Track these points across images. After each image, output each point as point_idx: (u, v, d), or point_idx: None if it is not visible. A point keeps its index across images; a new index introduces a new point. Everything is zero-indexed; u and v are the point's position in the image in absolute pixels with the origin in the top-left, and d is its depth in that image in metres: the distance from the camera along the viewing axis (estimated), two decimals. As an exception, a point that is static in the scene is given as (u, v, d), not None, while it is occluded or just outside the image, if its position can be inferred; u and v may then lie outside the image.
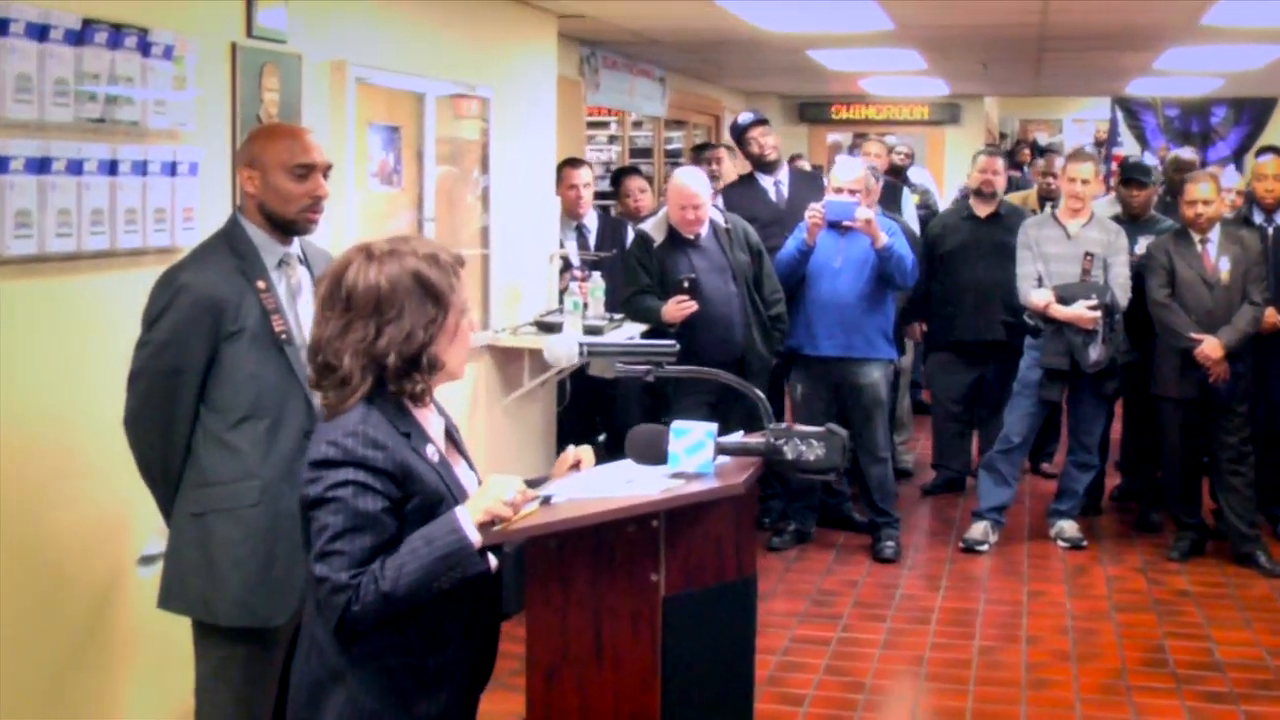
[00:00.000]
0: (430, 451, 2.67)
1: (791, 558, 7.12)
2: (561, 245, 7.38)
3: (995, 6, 7.26)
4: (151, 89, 3.94)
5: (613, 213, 8.41)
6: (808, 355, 7.01)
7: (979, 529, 7.28)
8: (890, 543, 7.09)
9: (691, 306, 6.38)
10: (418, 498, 2.60)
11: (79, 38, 3.64)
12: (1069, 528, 7.32)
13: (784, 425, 2.71)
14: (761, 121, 7.92)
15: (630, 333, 6.65)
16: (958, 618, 6.19)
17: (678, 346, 2.95)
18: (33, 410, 3.65)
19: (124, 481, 3.60)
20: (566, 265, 7.28)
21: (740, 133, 7.92)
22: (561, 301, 6.85)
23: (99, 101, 3.74)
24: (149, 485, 3.54)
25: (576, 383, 7.10)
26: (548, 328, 6.62)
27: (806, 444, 2.67)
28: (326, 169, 3.54)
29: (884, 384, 7.04)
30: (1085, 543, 7.25)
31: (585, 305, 6.72)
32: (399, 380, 2.61)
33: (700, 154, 8.97)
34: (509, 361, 6.62)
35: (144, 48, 3.89)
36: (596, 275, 6.88)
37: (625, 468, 2.88)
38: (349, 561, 2.52)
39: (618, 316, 6.76)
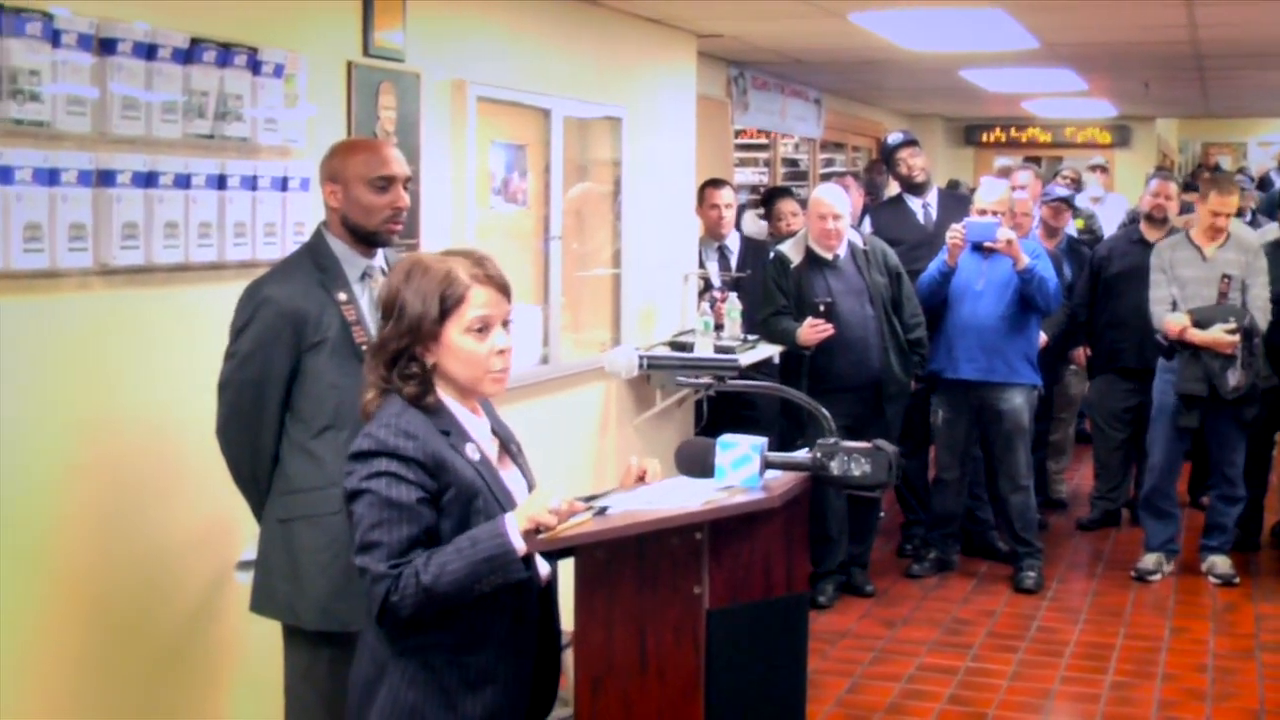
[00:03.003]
0: (470, 450, 2.75)
1: (930, 585, 7.04)
2: (703, 265, 7.41)
3: (1138, 22, 7.10)
4: (261, 106, 4.07)
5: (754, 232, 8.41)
6: (948, 379, 6.95)
7: (1152, 559, 7.15)
8: (1031, 573, 6.96)
9: (828, 330, 6.35)
10: (453, 489, 2.68)
11: (187, 56, 3.79)
12: (1220, 563, 7.09)
13: (832, 440, 2.69)
14: (911, 142, 7.86)
15: (766, 354, 6.65)
16: (1093, 651, 6.04)
17: (740, 361, 2.95)
18: (141, 416, 3.80)
19: (229, 488, 3.72)
20: (708, 285, 7.30)
21: (889, 153, 7.91)
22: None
23: (208, 118, 3.88)
24: (241, 491, 3.68)
25: (714, 404, 7.10)
26: (681, 348, 6.65)
27: (854, 460, 2.65)
28: (406, 180, 3.63)
29: (1026, 410, 6.92)
30: (1238, 579, 7.01)
31: (720, 325, 6.74)
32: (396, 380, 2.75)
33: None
34: (642, 381, 6.66)
35: (254, 66, 4.02)
36: (733, 296, 6.90)
37: (685, 482, 2.89)
38: (387, 552, 2.61)
39: (753, 338, 6.76)
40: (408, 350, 2.74)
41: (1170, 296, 6.80)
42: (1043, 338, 7.24)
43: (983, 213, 6.83)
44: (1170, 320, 6.72)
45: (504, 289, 2.79)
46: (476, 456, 2.75)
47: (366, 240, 3.60)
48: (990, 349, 6.82)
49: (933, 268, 6.86)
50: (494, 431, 2.92)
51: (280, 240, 4.18)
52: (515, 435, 3.01)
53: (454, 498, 2.67)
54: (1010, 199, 7.06)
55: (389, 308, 2.76)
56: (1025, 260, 6.64)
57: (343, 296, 3.52)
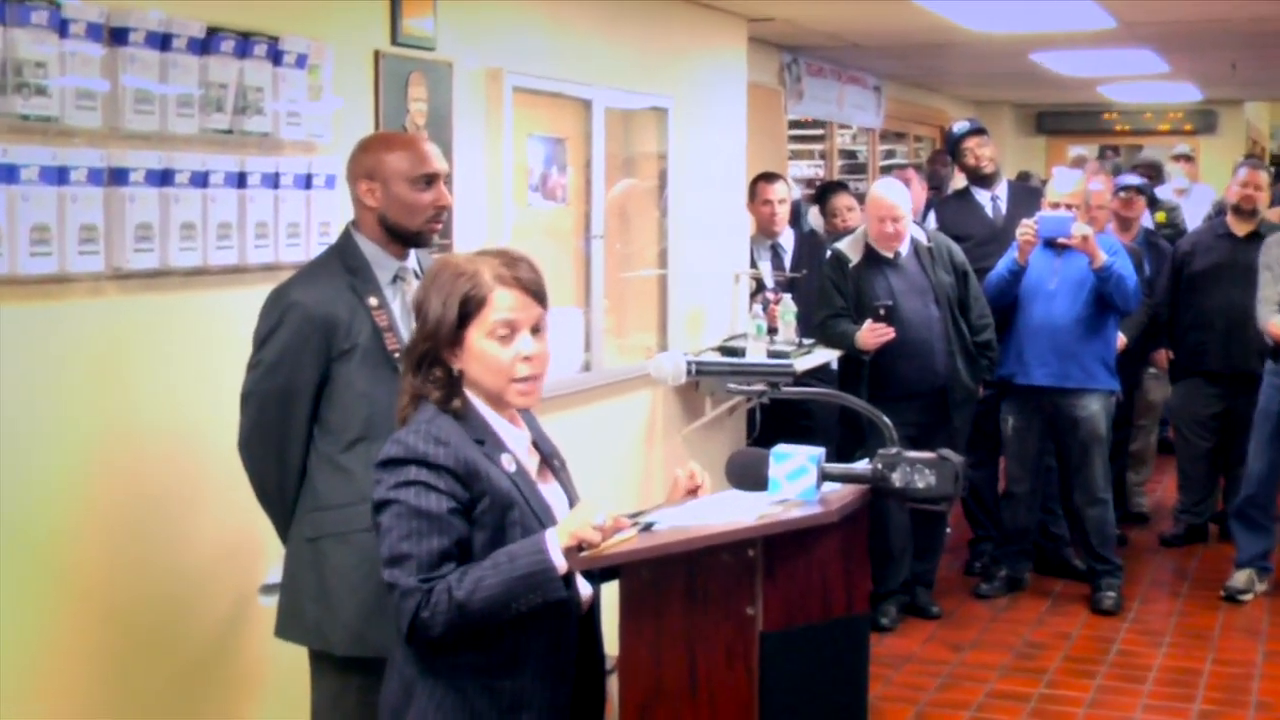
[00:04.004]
0: (505, 460, 2.76)
1: (1001, 606, 6.99)
2: (755, 265, 7.39)
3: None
4: (284, 100, 4.08)
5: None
6: (1019, 385, 6.90)
7: (1243, 576, 7.08)
8: (1110, 593, 6.90)
9: (889, 333, 6.31)
10: (487, 499, 2.69)
11: (204, 47, 3.80)
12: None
13: (894, 450, 2.68)
14: (978, 131, 7.83)
15: (823, 359, 6.62)
16: (1178, 677, 5.98)
17: (795, 366, 2.94)
18: (157, 430, 3.81)
19: (252, 506, 3.72)
20: (760, 286, 7.29)
21: (954, 143, 7.88)
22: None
23: (226, 112, 3.90)
24: (265, 509, 3.68)
25: (768, 413, 7.08)
26: (732, 353, 6.63)
27: (917, 471, 2.64)
28: (446, 176, 3.65)
29: (1103, 417, 6.86)
30: (1344, 603, 6.94)
31: (774, 329, 6.73)
32: (422, 385, 2.80)
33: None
34: (690, 389, 6.65)
35: (275, 56, 4.04)
36: (787, 297, 6.87)
37: (737, 495, 2.88)
38: (417, 565, 2.62)
39: (808, 341, 6.74)
40: (431, 354, 2.77)
41: (1278, 296, 6.70)
42: (1121, 339, 7.17)
43: (1056, 206, 6.78)
44: (1275, 322, 6.64)
45: (534, 292, 2.79)
46: (512, 467, 2.76)
47: (408, 240, 3.60)
48: (1064, 352, 6.76)
49: (1002, 265, 6.82)
50: (535, 445, 2.92)
51: (304, 241, 4.19)
52: (560, 451, 3.02)
53: (488, 508, 2.68)
54: (1086, 191, 6.99)
55: (417, 310, 2.80)
56: (1103, 257, 6.58)
57: (374, 301, 3.52)
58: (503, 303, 2.74)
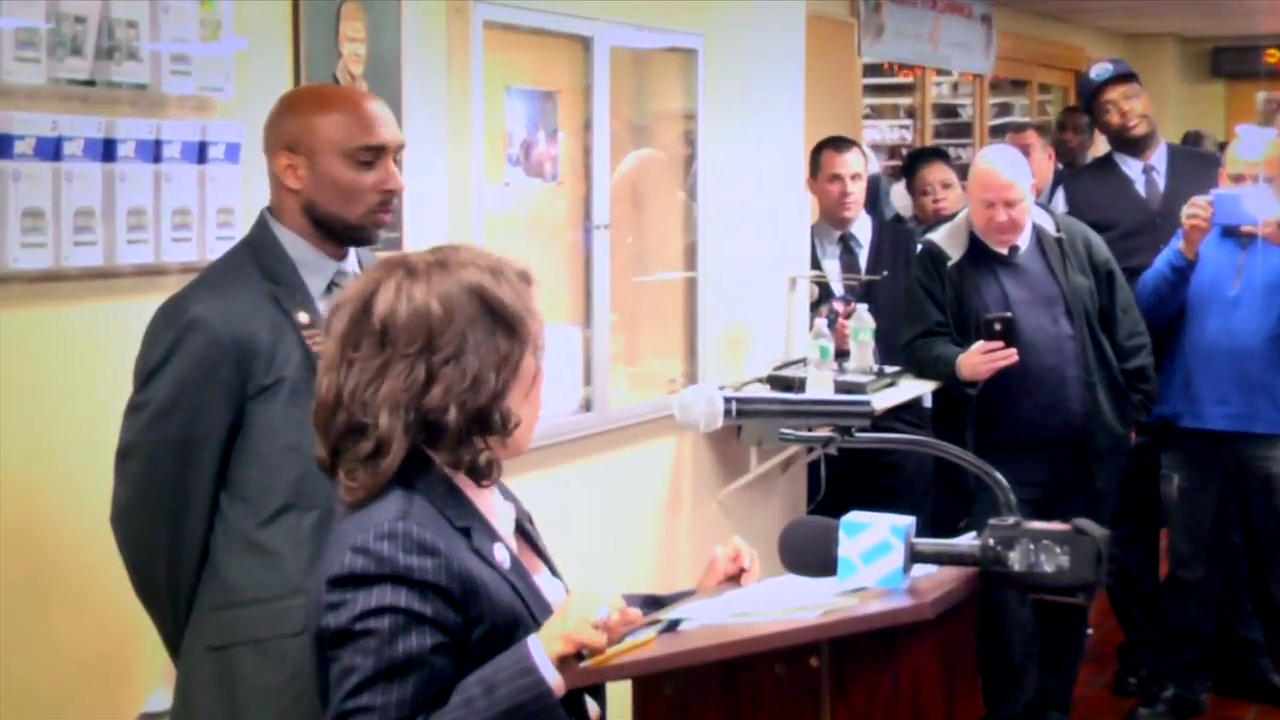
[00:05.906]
0: (499, 554, 2.76)
1: (1168, 738, 7.02)
2: (818, 264, 7.42)
3: None
4: (166, 39, 4.13)
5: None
6: (1188, 429, 6.90)
7: None
8: (1323, 721, 6.93)
9: (1008, 357, 6.32)
10: (485, 623, 2.66)
11: (54, -35, 3.86)
12: None
13: (1012, 520, 2.69)
14: (1125, 77, 7.83)
15: (912, 393, 6.64)
16: None
17: (873, 404, 2.96)
18: (-8, 494, 3.84)
19: (119, 603, 3.74)
20: (825, 293, 7.31)
21: (1092, 94, 7.86)
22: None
23: (86, 56, 3.92)
24: (147, 607, 3.69)
25: (836, 468, 7.10)
26: (787, 385, 6.65)
27: (1044, 549, 2.64)
28: (398, 150, 3.67)
29: (1308, 475, 6.88)
30: None
31: (845, 352, 6.75)
32: (457, 448, 2.71)
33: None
34: (729, 435, 6.67)
35: (154, -21, 4.10)
36: (862, 308, 6.89)
37: (795, 582, 2.90)
38: None
39: (892, 370, 6.76)
40: (507, 388, 2.74)
41: None
42: (1332, 366, 7.19)
43: (1240, 180, 6.79)
44: None
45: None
46: (507, 563, 2.76)
47: (342, 237, 3.64)
48: (1251, 384, 6.76)
49: (1161, 262, 6.84)
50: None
51: (197, 235, 4.25)
52: (522, 503, 3.04)
53: (486, 634, 2.66)
54: None
55: (433, 330, 2.71)
56: (1305, 252, 6.61)
57: (304, 317, 3.53)
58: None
